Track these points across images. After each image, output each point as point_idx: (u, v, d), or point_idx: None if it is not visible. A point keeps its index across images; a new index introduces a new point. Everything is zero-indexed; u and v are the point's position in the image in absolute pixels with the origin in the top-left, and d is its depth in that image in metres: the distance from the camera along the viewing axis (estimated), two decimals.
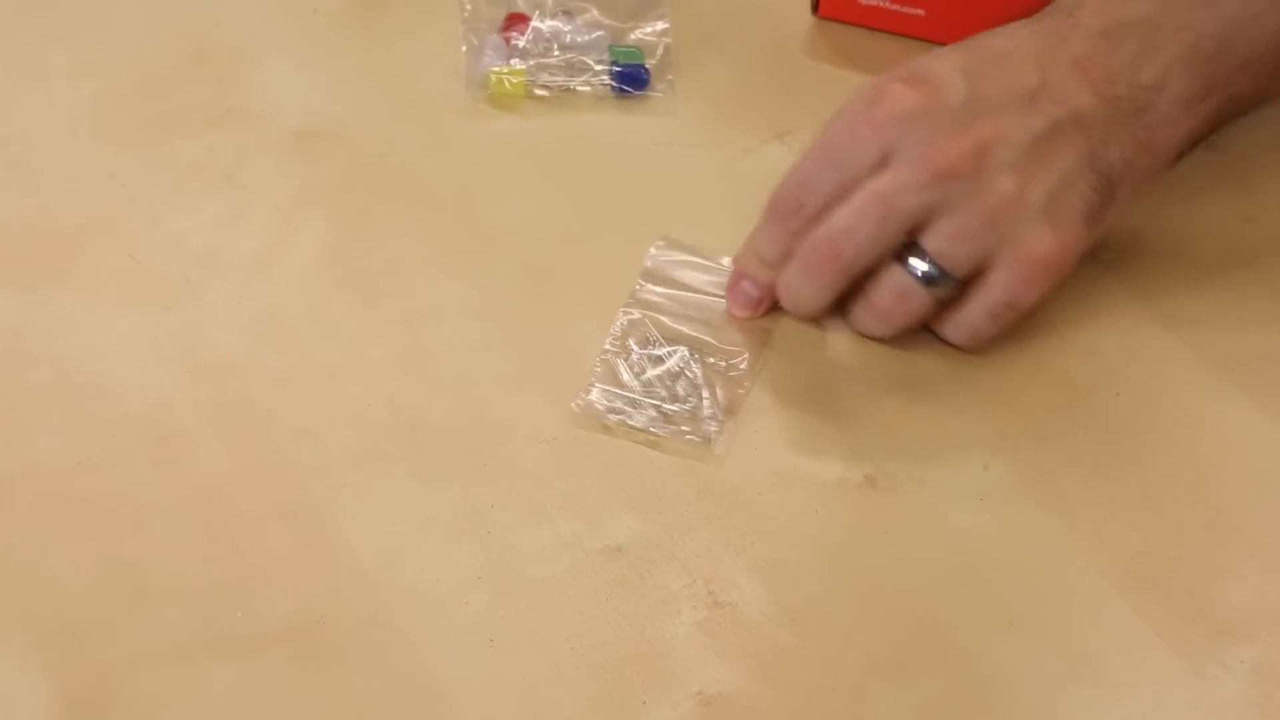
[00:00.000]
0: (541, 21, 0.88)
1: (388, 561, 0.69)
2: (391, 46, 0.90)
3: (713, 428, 0.73)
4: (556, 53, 0.87)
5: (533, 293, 0.79)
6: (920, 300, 0.74)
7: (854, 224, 0.72)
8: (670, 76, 0.87)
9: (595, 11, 0.89)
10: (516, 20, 0.88)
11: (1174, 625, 0.67)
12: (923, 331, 0.76)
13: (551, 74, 0.86)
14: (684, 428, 0.73)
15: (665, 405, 0.73)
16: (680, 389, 0.74)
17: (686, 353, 0.75)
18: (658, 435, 0.73)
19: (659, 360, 0.75)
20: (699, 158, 0.84)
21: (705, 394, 0.74)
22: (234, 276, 0.79)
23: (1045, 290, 0.74)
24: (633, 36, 0.88)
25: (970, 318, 0.74)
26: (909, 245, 0.73)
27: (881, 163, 0.72)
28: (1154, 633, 0.67)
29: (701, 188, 0.82)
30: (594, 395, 0.74)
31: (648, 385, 0.74)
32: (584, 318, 0.77)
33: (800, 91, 0.87)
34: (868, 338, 0.76)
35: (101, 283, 0.79)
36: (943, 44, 0.88)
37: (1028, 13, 0.79)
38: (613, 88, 0.86)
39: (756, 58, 0.89)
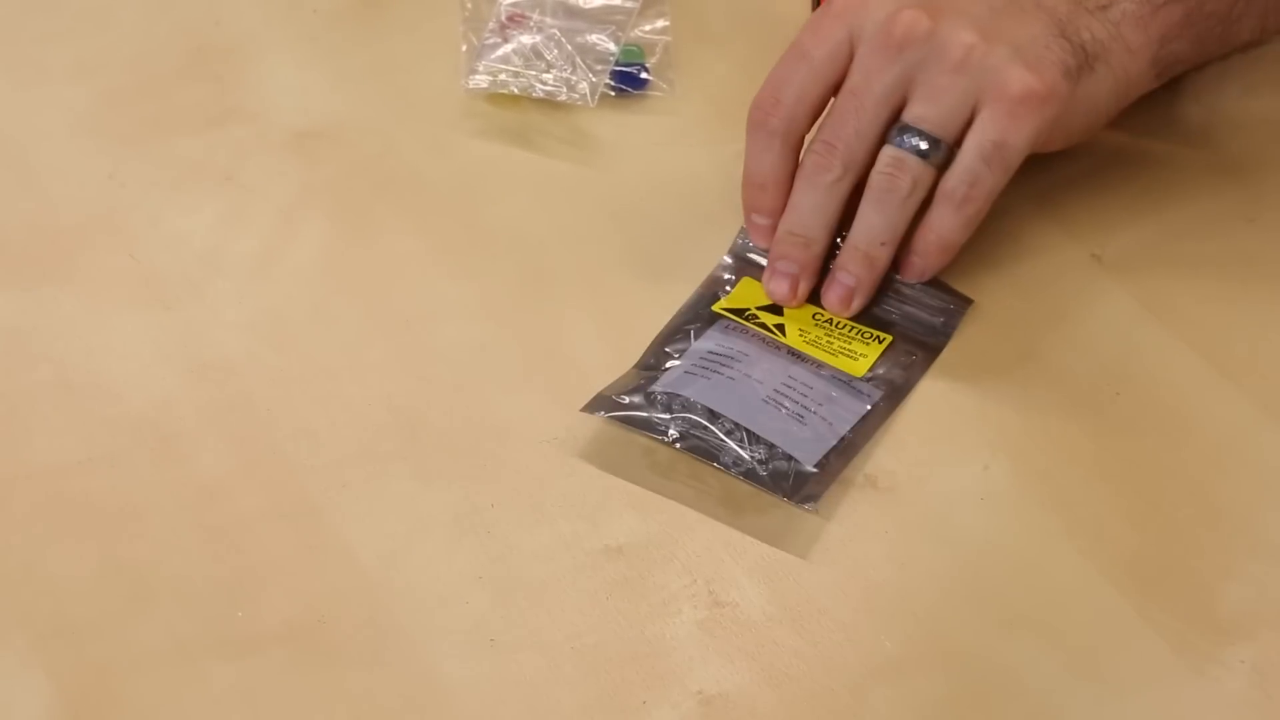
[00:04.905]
0: (541, 20, 0.88)
1: (388, 561, 0.69)
2: (391, 46, 0.90)
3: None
4: (556, 52, 0.87)
5: (533, 293, 0.79)
6: (917, 171, 0.74)
7: (837, 122, 0.75)
8: (670, 75, 0.87)
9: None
10: (516, 19, 0.88)
11: (1174, 625, 0.67)
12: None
13: (551, 73, 0.86)
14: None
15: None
16: None
17: None
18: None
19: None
20: (699, 158, 0.84)
21: None
22: (234, 276, 0.79)
23: (1032, 128, 0.74)
24: (633, 35, 0.88)
25: (965, 163, 0.74)
26: (899, 127, 0.74)
27: (848, 51, 0.75)
28: (1154, 633, 0.67)
29: (701, 188, 0.82)
30: None
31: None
32: (584, 318, 0.77)
33: None
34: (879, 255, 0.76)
35: (101, 282, 0.79)
36: None
37: None
38: (612, 87, 0.86)
39: (756, 58, 0.89)
